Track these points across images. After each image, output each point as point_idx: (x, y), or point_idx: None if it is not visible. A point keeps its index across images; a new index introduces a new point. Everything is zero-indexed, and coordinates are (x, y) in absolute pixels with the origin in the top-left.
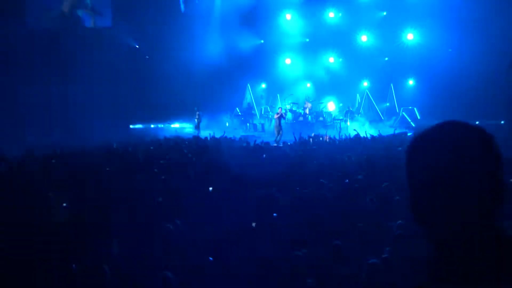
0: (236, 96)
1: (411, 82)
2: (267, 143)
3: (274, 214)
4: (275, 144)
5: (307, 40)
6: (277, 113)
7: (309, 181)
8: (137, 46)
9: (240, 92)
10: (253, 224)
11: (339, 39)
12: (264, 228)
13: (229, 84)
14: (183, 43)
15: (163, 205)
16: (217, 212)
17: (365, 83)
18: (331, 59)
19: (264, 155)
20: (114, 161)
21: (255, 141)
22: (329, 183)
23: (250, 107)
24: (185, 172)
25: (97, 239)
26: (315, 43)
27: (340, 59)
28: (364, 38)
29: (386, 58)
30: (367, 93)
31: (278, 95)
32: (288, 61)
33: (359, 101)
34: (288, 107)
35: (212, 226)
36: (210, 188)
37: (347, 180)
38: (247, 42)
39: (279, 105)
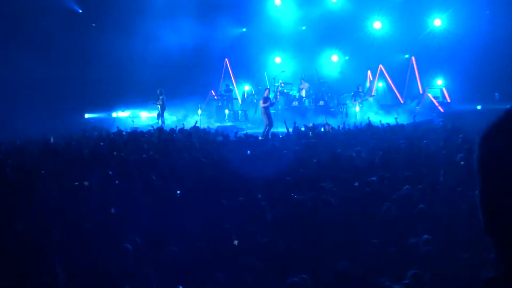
0: (210, 74)
1: (439, 82)
2: (252, 135)
3: (260, 229)
4: (262, 137)
5: (304, 28)
6: (264, 97)
7: (306, 185)
8: (80, 11)
9: (216, 69)
10: (235, 242)
11: (344, 29)
12: (248, 246)
13: (204, 61)
14: (143, 11)
15: (117, 218)
16: (187, 227)
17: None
18: (334, 58)
19: (248, 152)
20: (50, 162)
21: (236, 133)
22: (333, 186)
23: (229, 89)
24: (145, 174)
25: (32, 267)
26: (313, 35)
27: (346, 57)
28: (377, 24)
29: (407, 56)
30: (381, 68)
31: (265, 73)
32: (278, 60)
33: (371, 79)
34: (279, 88)
35: (181, 245)
36: (178, 192)
37: (356, 183)
38: (224, 30)
39: (267, 86)
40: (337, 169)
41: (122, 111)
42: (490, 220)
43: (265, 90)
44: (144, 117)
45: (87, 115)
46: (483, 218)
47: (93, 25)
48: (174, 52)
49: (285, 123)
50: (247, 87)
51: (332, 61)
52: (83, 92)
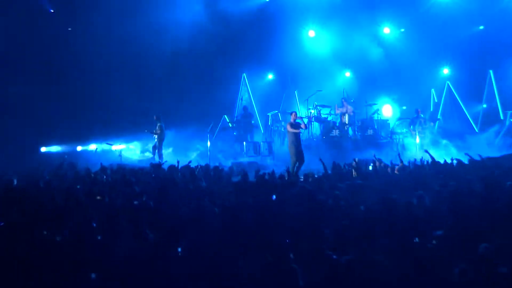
0: (223, 95)
1: None
2: (279, 175)
3: None
4: (290, 177)
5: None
6: (291, 122)
7: (350, 241)
8: (51, 11)
9: (231, 88)
10: None
11: None
12: None
13: (211, 74)
14: (131, 9)
15: (99, 285)
16: None
17: (445, 71)
18: (386, 30)
19: (274, 197)
20: (13, 209)
21: (258, 171)
22: (386, 243)
23: (248, 114)
24: (136, 227)
25: None
26: (357, 1)
27: (402, 30)
28: None
29: (481, 27)
30: (449, 86)
31: (295, 92)
32: (311, 33)
33: (435, 100)
34: (313, 112)
35: None
36: (179, 250)
37: (416, 239)
38: (240, 2)
39: (297, 109)
40: (391, 219)
41: (108, 143)
42: None
43: (291, 114)
44: (134, 150)
45: (43, 149)
46: None
47: (69, 29)
48: (174, 61)
49: (320, 160)
50: (271, 112)
51: (384, 34)
52: (41, 115)
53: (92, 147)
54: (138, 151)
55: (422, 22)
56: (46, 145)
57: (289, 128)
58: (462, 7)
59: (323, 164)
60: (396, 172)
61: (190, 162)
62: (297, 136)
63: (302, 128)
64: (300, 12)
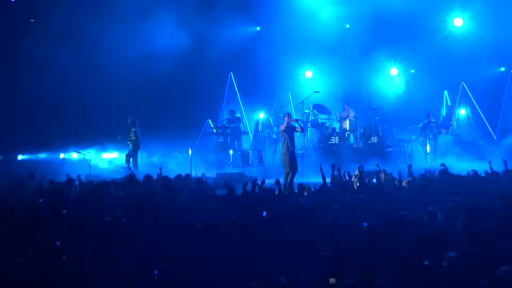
0: (206, 97)
1: None
2: (270, 188)
3: None
4: (284, 190)
5: (347, 26)
6: (283, 124)
7: (352, 264)
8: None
9: (215, 89)
10: None
11: (407, 30)
12: None
13: (192, 73)
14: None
15: None
16: None
17: None
18: (393, 72)
19: (264, 213)
20: None
21: (246, 184)
22: (393, 265)
23: (235, 118)
24: (107, 246)
25: None
26: (361, 38)
27: (411, 71)
28: (458, 22)
29: (503, 68)
30: (464, 87)
31: (289, 93)
32: (308, 74)
33: (448, 104)
34: (309, 115)
35: None
36: (156, 273)
37: (426, 262)
38: (229, 30)
39: (292, 111)
40: (397, 239)
41: (75, 151)
42: None
43: (285, 115)
44: (106, 159)
45: (20, 157)
46: None
47: (31, 20)
48: (151, 61)
49: (320, 168)
50: (262, 115)
51: (391, 77)
52: (15, 122)
53: (62, 156)
54: (108, 161)
55: (436, 58)
56: (23, 153)
57: (282, 128)
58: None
59: (322, 174)
60: (404, 184)
61: (160, 168)
62: (291, 141)
63: (298, 132)
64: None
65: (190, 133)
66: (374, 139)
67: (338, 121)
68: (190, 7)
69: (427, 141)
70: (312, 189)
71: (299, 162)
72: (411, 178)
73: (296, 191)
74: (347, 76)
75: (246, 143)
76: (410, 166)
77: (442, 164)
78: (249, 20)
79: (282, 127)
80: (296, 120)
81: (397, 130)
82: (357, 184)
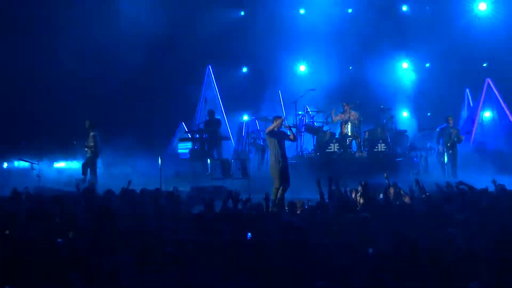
0: (180, 94)
1: None
2: (256, 205)
3: None
4: (272, 208)
5: (350, 11)
6: (269, 127)
7: None
8: None
9: (191, 85)
10: None
11: (421, 17)
12: None
13: (162, 65)
14: None
15: None
16: None
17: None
18: (405, 66)
19: (249, 235)
20: None
21: (227, 200)
22: None
23: (214, 121)
24: (61, 274)
25: None
26: (364, 24)
27: (427, 64)
28: (482, 6)
29: None
30: (489, 85)
31: (279, 91)
32: (302, 68)
33: (471, 104)
34: (303, 117)
35: None
36: None
37: None
38: (211, 13)
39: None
40: (408, 267)
41: (22, 159)
42: None
43: (274, 118)
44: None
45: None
46: None
47: None
48: (113, 51)
49: (318, 183)
50: (246, 117)
51: (402, 72)
52: None
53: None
54: (59, 170)
55: (456, 49)
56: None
57: (267, 131)
58: None
59: (320, 189)
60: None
61: (129, 182)
62: (282, 149)
63: (290, 140)
64: None
65: (159, 139)
66: (381, 147)
67: (329, 121)
68: None
69: (445, 149)
70: (306, 206)
71: (291, 174)
72: (425, 196)
73: (287, 209)
74: (348, 71)
75: (227, 150)
76: (417, 181)
77: (461, 182)
78: (232, 3)
79: (268, 130)
80: (289, 127)
81: (409, 136)
82: (361, 201)
